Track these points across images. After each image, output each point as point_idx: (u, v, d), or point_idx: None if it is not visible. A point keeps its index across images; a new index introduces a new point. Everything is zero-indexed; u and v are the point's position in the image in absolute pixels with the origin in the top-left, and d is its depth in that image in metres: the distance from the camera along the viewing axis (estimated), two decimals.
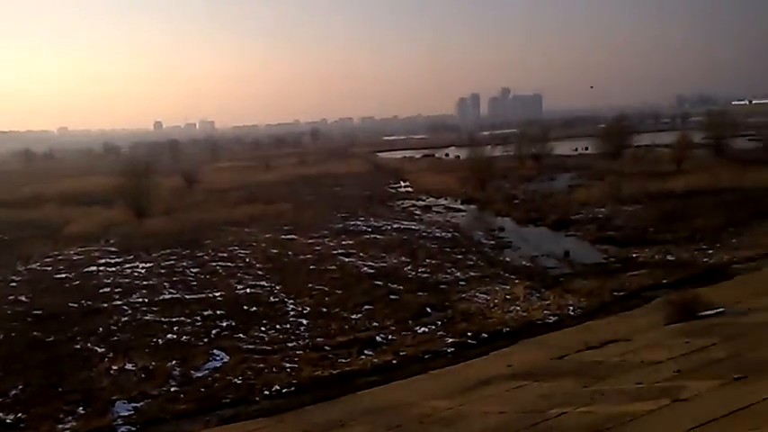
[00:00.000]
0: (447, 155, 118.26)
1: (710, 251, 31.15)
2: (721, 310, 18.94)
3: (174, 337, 23.52)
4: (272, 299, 27.81)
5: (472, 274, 30.09)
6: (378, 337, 22.10)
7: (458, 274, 30.27)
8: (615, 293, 25.26)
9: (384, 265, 33.11)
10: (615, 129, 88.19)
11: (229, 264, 35.38)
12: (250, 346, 22.06)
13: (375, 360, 20.16)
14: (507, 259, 33.02)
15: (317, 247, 38.37)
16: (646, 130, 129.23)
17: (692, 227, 35.74)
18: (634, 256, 31.76)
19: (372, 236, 41.52)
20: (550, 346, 18.93)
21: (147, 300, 28.69)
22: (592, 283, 26.73)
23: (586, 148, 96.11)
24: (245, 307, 26.72)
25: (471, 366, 18.55)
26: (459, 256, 34.01)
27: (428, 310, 24.89)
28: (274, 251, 37.92)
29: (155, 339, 23.17)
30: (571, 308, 23.91)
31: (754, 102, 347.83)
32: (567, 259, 32.05)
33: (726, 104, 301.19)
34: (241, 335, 23.31)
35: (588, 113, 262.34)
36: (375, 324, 23.65)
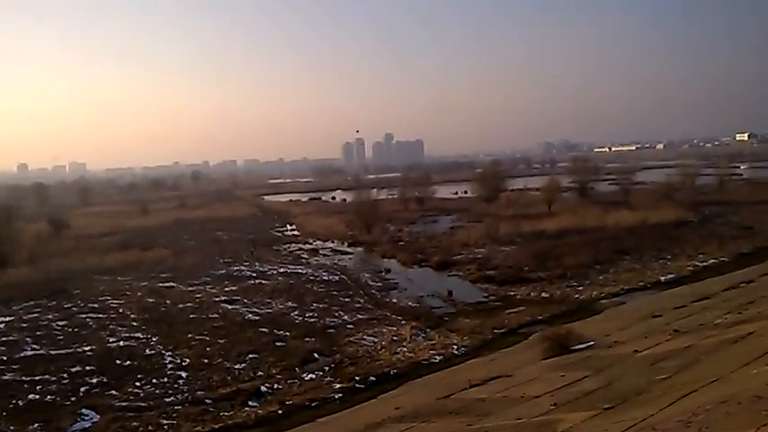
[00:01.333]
0: (334, 198, 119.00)
1: (580, 287, 33.35)
2: (592, 343, 20.18)
3: (37, 397, 21.48)
4: (148, 351, 26.17)
5: (360, 316, 30.12)
6: (263, 387, 21.38)
7: (346, 317, 30.17)
8: (496, 331, 26.29)
9: (270, 311, 32.33)
10: (491, 173, 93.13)
11: (101, 315, 32.98)
12: (123, 404, 20.54)
13: (260, 411, 19.47)
14: (394, 300, 33.41)
15: (198, 295, 36.78)
16: (519, 174, 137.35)
17: (564, 265, 38.08)
18: (512, 294, 33.33)
19: (257, 281, 40.50)
20: (436, 386, 19.17)
21: (5, 358, 26.02)
22: (474, 322, 27.61)
23: (465, 192, 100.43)
24: (118, 361, 24.95)
25: (359, 411, 18.36)
26: (347, 299, 33.96)
27: (315, 355, 24.49)
28: (151, 300, 35.87)
29: (15, 401, 20.99)
30: (455, 347, 24.52)
31: (613, 149, 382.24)
32: (450, 299, 32.98)
33: (589, 151, 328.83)
34: (113, 391, 21.66)
35: (466, 159, 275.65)
36: (260, 373, 22.89)
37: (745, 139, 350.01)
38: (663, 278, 34.20)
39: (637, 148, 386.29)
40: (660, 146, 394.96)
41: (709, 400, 9.12)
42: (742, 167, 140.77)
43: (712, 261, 38.12)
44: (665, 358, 15.27)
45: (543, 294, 32.73)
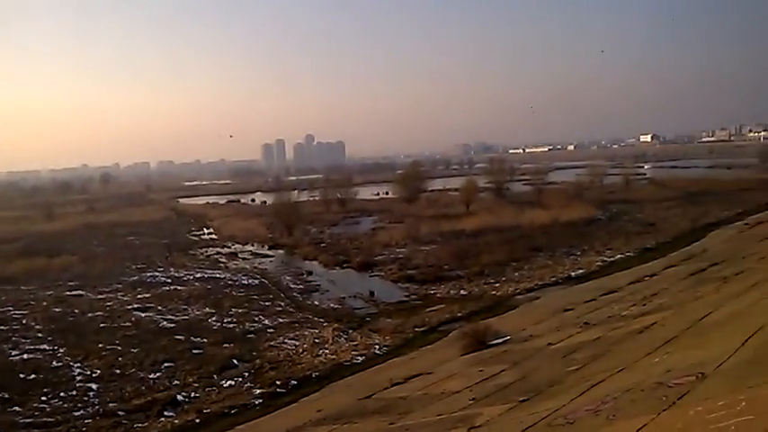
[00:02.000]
0: (253, 200, 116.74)
1: (497, 284, 34.34)
2: (508, 337, 20.82)
3: None
4: (54, 363, 24.74)
5: (281, 320, 29.69)
6: (179, 396, 20.66)
7: (266, 321, 29.66)
8: (417, 329, 26.60)
9: (186, 317, 31.30)
10: (411, 174, 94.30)
11: (2, 327, 30.85)
12: (28, 420, 19.32)
13: (176, 421, 18.81)
14: (316, 303, 33.17)
15: (109, 303, 35.10)
16: (438, 175, 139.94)
17: (481, 263, 39.07)
18: (432, 292, 33.87)
19: (172, 287, 39.12)
20: (358, 387, 19.18)
21: None
22: (396, 321, 27.83)
23: (387, 193, 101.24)
24: (22, 375, 23.45)
25: (281, 416, 18.10)
26: (268, 303, 33.40)
27: (235, 361, 23.93)
28: (58, 310, 33.90)
29: None
30: (377, 346, 24.63)
31: (527, 150, 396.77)
32: (372, 299, 33.10)
33: (504, 152, 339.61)
34: (17, 408, 20.34)
35: (387, 160, 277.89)
36: (176, 382, 22.12)
37: (649, 140, 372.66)
38: (574, 273, 35.72)
39: (549, 149, 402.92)
40: (571, 147, 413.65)
41: (616, 388, 9.57)
42: (646, 167, 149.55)
43: (619, 256, 40.20)
44: (576, 350, 15.94)
45: (462, 292, 33.45)
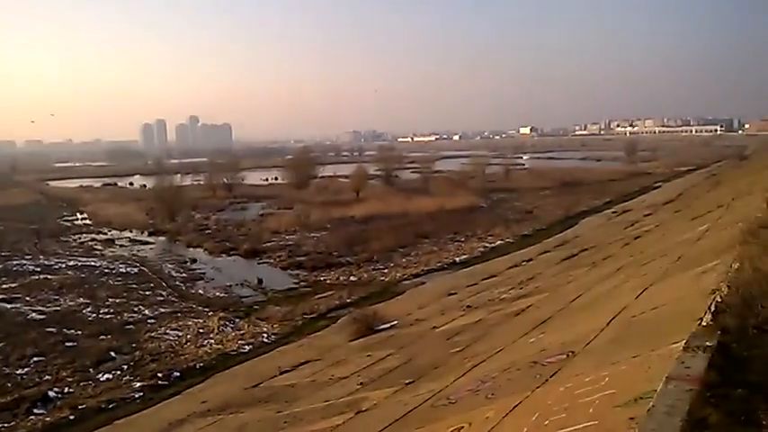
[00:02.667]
0: (131, 184, 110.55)
1: (386, 270, 34.94)
2: (395, 322, 21.27)
3: None
4: None
5: (162, 310, 28.46)
6: (51, 392, 19.30)
7: (146, 311, 28.30)
8: (306, 316, 26.49)
9: (57, 308, 29.20)
10: (302, 160, 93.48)
11: None
12: None
13: (47, 419, 17.58)
14: (200, 292, 32.08)
15: None
16: (329, 161, 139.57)
17: (371, 249, 39.56)
18: (322, 279, 33.86)
19: (42, 276, 36.31)
20: (245, 376, 18.84)
21: None
22: (284, 309, 27.55)
23: (276, 179, 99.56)
24: None
25: (163, 409, 17.40)
26: (148, 292, 31.86)
27: (112, 354, 22.68)
28: None
29: None
30: (265, 335, 24.28)
31: (415, 139, 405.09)
32: (260, 287, 32.53)
33: (393, 141, 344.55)
34: None
35: (277, 145, 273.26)
36: (47, 377, 20.64)
37: (528, 132, 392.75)
38: (458, 259, 37.07)
39: (436, 138, 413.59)
40: (456, 137, 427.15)
41: (495, 368, 10.06)
42: (525, 158, 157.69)
43: (499, 242, 42.20)
44: (459, 332, 16.57)
45: (352, 278, 33.72)
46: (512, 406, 7.41)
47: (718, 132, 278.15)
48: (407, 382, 12.08)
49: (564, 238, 40.11)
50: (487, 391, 8.73)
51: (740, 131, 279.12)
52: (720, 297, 6.46)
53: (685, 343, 5.34)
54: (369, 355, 16.92)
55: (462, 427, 7.34)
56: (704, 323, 5.95)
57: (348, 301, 28.56)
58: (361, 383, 13.68)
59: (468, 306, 21.16)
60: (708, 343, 5.12)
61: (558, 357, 9.11)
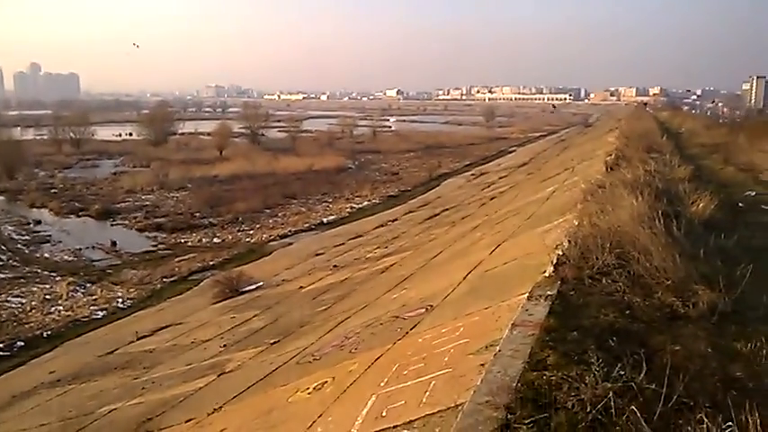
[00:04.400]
0: None
1: (252, 231, 34.31)
2: (261, 283, 21.04)
3: None
4: None
5: (2, 275, 25.97)
6: None
7: None
8: (166, 280, 25.39)
9: None
10: (159, 115, 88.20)
11: None
12: None
13: None
14: (46, 255, 29.62)
15: None
16: (189, 117, 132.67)
17: (236, 210, 38.56)
18: (183, 241, 32.56)
19: None
20: (99, 343, 17.80)
21: None
22: (142, 272, 26.22)
23: (130, 134, 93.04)
24: None
25: (4, 382, 16.02)
26: None
27: None
28: None
29: None
30: (120, 300, 22.99)
31: (282, 97, 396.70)
32: (114, 250, 30.62)
33: (259, 98, 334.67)
34: None
35: (130, 98, 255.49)
36: None
37: (395, 95, 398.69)
38: (326, 219, 37.20)
39: (303, 97, 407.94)
40: (324, 97, 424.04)
41: (359, 324, 10.32)
42: (391, 120, 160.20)
43: (366, 203, 42.85)
44: (325, 291, 16.77)
45: (215, 240, 32.76)
46: (374, 358, 7.67)
47: (567, 101, 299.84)
48: (273, 341, 12.07)
49: (427, 198, 41.57)
50: (351, 345, 8.96)
51: (586, 101, 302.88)
52: (562, 251, 7.05)
53: (529, 293, 5.79)
54: (233, 317, 16.65)
55: (326, 382, 7.50)
56: (547, 274, 6.49)
57: (211, 263, 27.73)
58: (225, 345, 13.47)
59: (335, 266, 21.41)
60: (549, 292, 5.59)
61: (418, 311, 9.52)
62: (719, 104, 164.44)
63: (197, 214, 38.06)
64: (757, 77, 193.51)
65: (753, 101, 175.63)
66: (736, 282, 6.37)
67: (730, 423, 3.31)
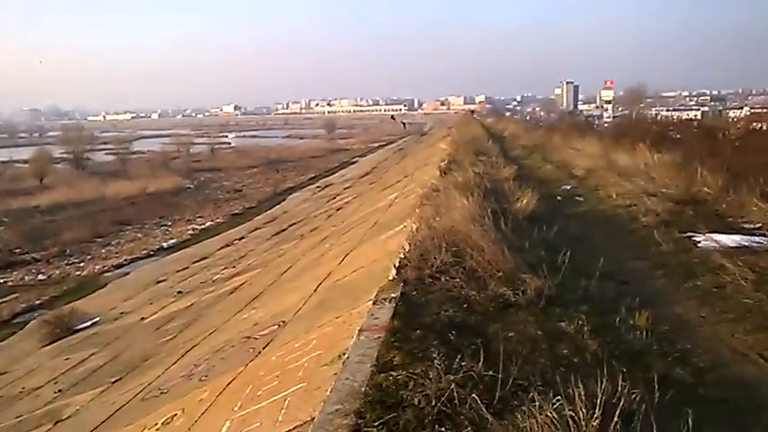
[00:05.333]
0: None
1: (82, 263, 31.59)
2: (97, 319, 19.44)
3: None
4: None
5: None
6: None
7: None
8: None
9: None
10: None
11: None
12: None
13: None
14: None
15: None
16: (1, 145, 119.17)
17: (62, 242, 35.30)
18: (2, 281, 29.18)
19: None
20: None
21: None
22: None
23: None
24: None
25: None
26: None
27: None
28: None
29: None
30: None
31: (108, 117, 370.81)
32: None
33: (82, 119, 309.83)
34: None
35: None
36: None
37: (232, 110, 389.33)
38: (165, 244, 35.30)
39: (132, 117, 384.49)
40: (155, 115, 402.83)
41: (208, 349, 9.93)
42: (230, 136, 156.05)
43: (209, 223, 41.31)
44: (170, 320, 15.90)
45: (40, 276, 29.72)
46: (226, 384, 7.43)
47: (403, 111, 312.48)
48: (114, 380, 11.21)
49: (273, 214, 41.05)
50: (201, 373, 8.59)
51: (419, 110, 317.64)
52: (403, 254, 7.32)
53: (374, 297, 5.94)
54: (67, 359, 15.20)
55: (176, 414, 7.12)
56: (390, 278, 6.70)
57: (38, 302, 25.10)
58: (60, 390, 12.27)
59: (180, 292, 20.38)
60: (393, 295, 5.78)
61: (270, 329, 9.38)
62: (537, 109, 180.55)
63: (17, 250, 34.31)
64: (566, 83, 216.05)
65: (564, 104, 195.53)
66: (558, 268, 7.04)
67: (559, 397, 3.59)
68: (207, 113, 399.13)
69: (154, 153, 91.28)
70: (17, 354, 18.41)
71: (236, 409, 6.26)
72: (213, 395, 7.15)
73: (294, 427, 4.89)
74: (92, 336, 17.39)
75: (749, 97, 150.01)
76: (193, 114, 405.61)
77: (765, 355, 5.71)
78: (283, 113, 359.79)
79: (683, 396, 4.40)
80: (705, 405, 4.44)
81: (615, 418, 3.36)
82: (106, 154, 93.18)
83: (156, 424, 7.12)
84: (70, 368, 14.20)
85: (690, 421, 3.58)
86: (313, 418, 4.20)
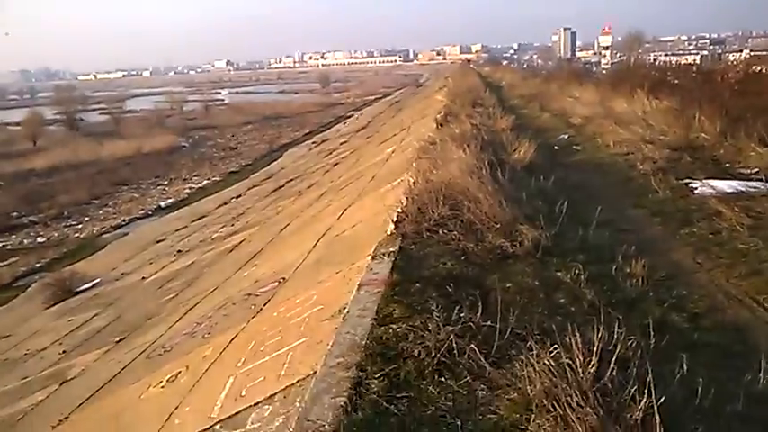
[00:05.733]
0: None
1: (80, 225, 31.64)
2: (98, 280, 19.57)
3: None
4: None
5: None
6: None
7: None
8: None
9: None
10: None
11: None
12: None
13: None
14: None
15: None
16: None
17: (59, 204, 35.27)
18: (1, 245, 29.24)
19: None
20: None
21: None
22: None
23: None
24: None
25: None
26: None
27: None
28: None
29: None
30: None
31: (99, 77, 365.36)
32: None
33: (72, 79, 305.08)
34: None
35: None
36: None
37: (224, 66, 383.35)
38: (163, 204, 35.28)
39: (123, 75, 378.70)
40: (146, 73, 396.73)
41: (210, 307, 10.02)
42: (223, 93, 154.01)
43: (206, 182, 41.19)
44: (171, 279, 16.01)
45: (39, 239, 29.77)
46: (228, 340, 7.52)
47: (398, 63, 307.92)
48: (118, 339, 11.35)
49: (270, 171, 40.89)
50: (204, 331, 8.69)
51: (414, 61, 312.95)
52: (401, 208, 7.32)
53: (373, 252, 5.97)
54: (70, 320, 15.36)
55: (180, 372, 7.23)
56: (389, 233, 6.71)
57: (38, 265, 25.23)
58: (65, 351, 12.42)
59: (179, 251, 20.47)
60: (391, 249, 5.80)
61: (270, 286, 9.45)
62: (534, 56, 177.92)
63: (14, 214, 34.27)
64: (564, 29, 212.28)
65: (562, 51, 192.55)
66: (555, 218, 7.05)
67: (556, 346, 3.64)
68: (199, 70, 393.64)
69: (147, 112, 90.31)
70: (20, 316, 18.61)
71: (239, 364, 6.36)
72: (216, 352, 7.25)
73: (297, 381, 4.97)
74: (94, 297, 17.54)
75: (749, 40, 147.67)
76: (185, 71, 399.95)
77: (759, 299, 5.78)
78: (277, 68, 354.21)
79: (679, 341, 4.47)
80: (699, 350, 4.53)
81: (611, 365, 3.41)
82: (99, 114, 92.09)
83: (161, 381, 7.23)
84: (74, 329, 14.36)
85: (684, 365, 3.65)
86: (315, 372, 4.26)
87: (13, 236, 30.44)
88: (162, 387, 7.05)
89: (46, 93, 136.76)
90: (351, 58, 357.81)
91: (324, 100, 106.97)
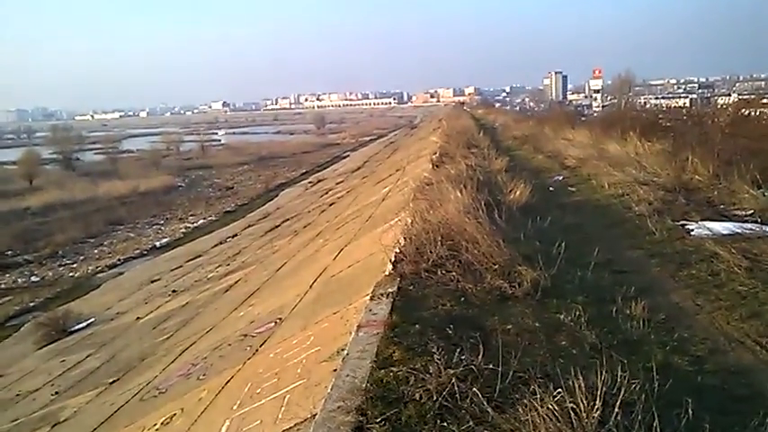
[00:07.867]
0: None
1: (75, 264, 31.47)
2: (92, 320, 19.36)
3: None
4: None
5: None
6: None
7: None
8: None
9: None
10: None
11: None
12: None
13: None
14: None
15: None
16: None
17: (54, 243, 35.12)
18: None
19: None
20: None
21: None
22: None
23: None
24: None
25: None
26: None
27: None
28: None
29: None
30: None
31: (96, 117, 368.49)
32: None
33: (69, 119, 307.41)
34: None
35: None
36: None
37: (220, 107, 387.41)
38: (158, 243, 35.17)
39: (120, 115, 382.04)
40: (143, 113, 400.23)
41: (206, 348, 9.90)
42: (220, 133, 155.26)
43: (202, 221, 41.19)
44: (166, 319, 15.83)
45: (33, 278, 29.57)
46: (224, 382, 7.41)
47: (392, 105, 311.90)
48: (112, 380, 11.17)
49: (266, 210, 40.92)
50: (199, 372, 8.57)
51: (409, 103, 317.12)
52: (399, 248, 7.32)
53: (372, 292, 5.94)
54: (63, 361, 15.13)
55: (175, 414, 7.10)
56: (387, 273, 6.70)
57: (32, 304, 24.99)
58: (57, 392, 12.21)
59: (174, 290, 20.30)
60: (390, 290, 5.78)
61: (267, 326, 9.35)
62: (526, 99, 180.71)
63: (8, 252, 34.08)
64: (555, 73, 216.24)
65: (553, 94, 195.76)
66: (553, 259, 7.06)
67: (560, 389, 3.60)
68: (195, 110, 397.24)
69: (144, 152, 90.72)
70: (12, 357, 18.32)
71: (235, 407, 6.25)
72: (212, 394, 7.13)
73: (295, 425, 4.88)
74: (87, 337, 17.32)
75: (736, 84, 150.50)
76: (182, 112, 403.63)
77: (761, 342, 5.76)
78: (273, 109, 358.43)
79: (683, 385, 4.43)
80: (704, 393, 4.48)
81: (616, 409, 3.37)
82: (95, 153, 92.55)
83: (156, 424, 7.10)
84: (67, 370, 14.14)
85: (690, 410, 3.61)
86: (314, 415, 4.20)
87: (8, 274, 30.19)
88: (156, 430, 6.92)
89: (43, 132, 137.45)
90: (346, 99, 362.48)
91: (319, 140, 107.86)
